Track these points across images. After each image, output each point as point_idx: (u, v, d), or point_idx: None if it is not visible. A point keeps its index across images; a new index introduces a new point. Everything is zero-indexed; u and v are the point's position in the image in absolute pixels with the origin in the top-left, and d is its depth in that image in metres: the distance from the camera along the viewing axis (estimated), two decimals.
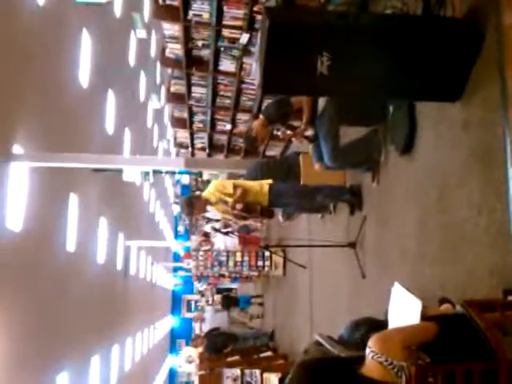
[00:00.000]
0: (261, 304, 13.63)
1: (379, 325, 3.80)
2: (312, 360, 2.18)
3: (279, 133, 5.51)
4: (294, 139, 5.25)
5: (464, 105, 3.30)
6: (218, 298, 15.26)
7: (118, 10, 13.60)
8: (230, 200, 5.36)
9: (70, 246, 10.08)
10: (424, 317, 2.27)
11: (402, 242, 4.24)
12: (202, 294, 23.91)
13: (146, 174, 8.28)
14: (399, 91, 3.53)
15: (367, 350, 1.93)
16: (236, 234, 10.74)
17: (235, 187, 5.41)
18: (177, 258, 28.59)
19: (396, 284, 2.57)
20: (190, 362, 12.47)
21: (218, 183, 5.60)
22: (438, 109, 3.64)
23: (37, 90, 8.24)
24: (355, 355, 2.14)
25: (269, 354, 10.41)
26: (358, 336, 3.45)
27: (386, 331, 2.08)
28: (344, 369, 1.95)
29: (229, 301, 14.60)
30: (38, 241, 8.35)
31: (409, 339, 1.99)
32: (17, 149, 7.50)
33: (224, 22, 6.24)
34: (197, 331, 18.92)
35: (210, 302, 18.90)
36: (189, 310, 31.27)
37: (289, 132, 5.38)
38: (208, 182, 9.54)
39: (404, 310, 2.44)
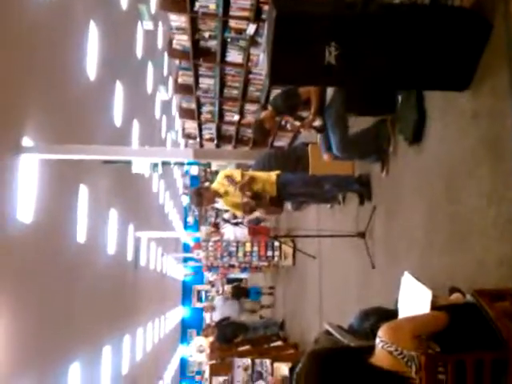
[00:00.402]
0: (271, 294, 13.68)
1: (389, 314, 3.81)
2: (322, 350, 2.19)
3: (287, 125, 5.50)
4: (302, 130, 5.23)
5: (472, 94, 3.28)
6: (228, 288, 15.30)
7: (124, 1, 13.58)
8: (238, 180, 5.39)
9: (81, 237, 10.14)
10: (434, 306, 2.28)
11: (411, 231, 4.24)
12: (212, 284, 24.04)
13: (155, 165, 8.30)
14: (407, 81, 3.51)
15: (377, 340, 1.93)
16: (245, 224, 10.77)
17: (243, 175, 5.45)
18: (187, 248, 28.69)
19: (406, 273, 2.58)
20: (201, 352, 12.53)
21: (227, 172, 5.64)
22: (446, 98, 3.62)
23: (45, 82, 8.26)
24: (365, 345, 2.15)
25: (279, 343, 10.46)
26: (368, 325, 3.46)
27: (396, 321, 2.09)
28: (354, 359, 1.96)
29: (239, 291, 14.65)
30: (48, 232, 8.41)
31: (419, 329, 1.99)
32: (26, 141, 7.54)
33: (231, 13, 6.23)
34: (207, 321, 19.01)
35: (220, 292, 19.00)
36: (199, 300, 31.41)
37: (297, 123, 5.37)
38: (217, 172, 9.55)
39: (414, 299, 2.44)
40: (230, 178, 5.42)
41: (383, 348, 1.89)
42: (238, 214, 6.50)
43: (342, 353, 2.07)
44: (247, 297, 14.36)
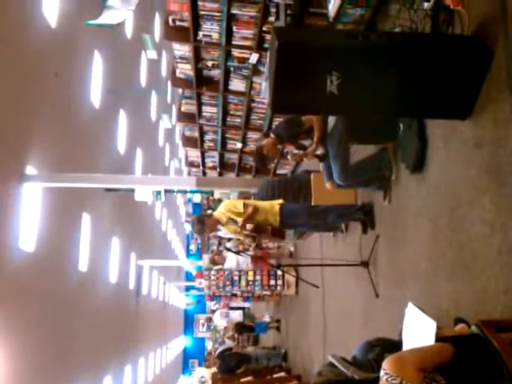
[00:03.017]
0: (278, 329, 13.38)
1: (393, 345, 3.75)
2: (325, 382, 2.15)
3: (288, 156, 5.50)
4: (305, 158, 5.23)
5: (474, 122, 3.28)
6: (231, 325, 14.89)
7: (128, 31, 13.80)
8: (239, 220, 5.35)
9: (83, 265, 10.10)
10: (439, 338, 2.24)
11: (415, 260, 4.20)
12: (214, 313, 23.81)
13: (158, 193, 8.32)
14: (409, 109, 3.52)
15: (381, 372, 1.90)
16: (247, 253, 10.70)
17: (246, 206, 5.41)
18: (189, 277, 28.52)
19: (410, 304, 2.54)
20: (203, 383, 12.35)
21: (229, 203, 5.60)
22: (448, 126, 3.62)
23: (49, 110, 8.33)
24: (369, 377, 2.11)
25: (282, 374, 10.27)
26: (372, 357, 3.40)
27: (401, 353, 2.05)
28: None
29: (243, 329, 14.28)
30: (50, 261, 8.38)
31: (424, 361, 1.96)
32: (30, 169, 7.57)
33: (233, 42, 6.30)
34: (209, 348, 18.78)
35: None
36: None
37: (297, 151, 5.37)
38: (219, 200, 9.56)
39: (418, 330, 2.40)
40: (231, 219, 5.36)
41: (387, 381, 1.86)
42: (240, 237, 6.45)
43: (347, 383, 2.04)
44: (252, 332, 14.00)
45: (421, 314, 2.42)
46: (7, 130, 6.91)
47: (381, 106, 3.45)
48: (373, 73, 3.22)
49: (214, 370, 11.68)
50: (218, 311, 15.52)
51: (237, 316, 14.05)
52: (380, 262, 5.11)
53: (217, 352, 12.98)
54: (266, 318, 13.92)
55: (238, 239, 10.43)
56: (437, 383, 1.95)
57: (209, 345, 20.74)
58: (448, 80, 3.22)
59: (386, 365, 1.90)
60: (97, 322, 10.99)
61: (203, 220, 5.57)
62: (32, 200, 7.78)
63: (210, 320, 15.79)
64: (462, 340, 2.26)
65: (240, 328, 13.98)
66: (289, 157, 5.42)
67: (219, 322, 14.43)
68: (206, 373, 12.21)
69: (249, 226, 5.44)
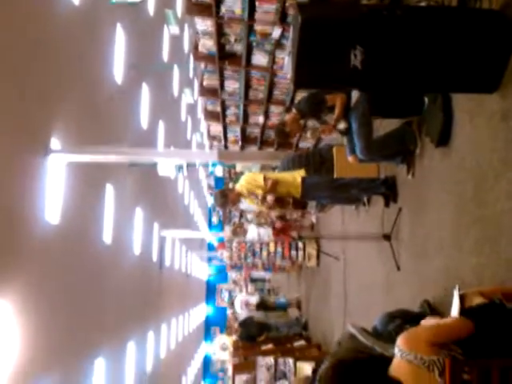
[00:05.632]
0: (299, 307, 13.52)
1: (414, 317, 3.81)
2: (346, 359, 2.20)
3: (308, 133, 5.48)
4: (323, 135, 5.22)
5: (501, 96, 3.26)
6: (253, 298, 15.03)
7: (151, 6, 13.72)
8: (260, 192, 5.40)
9: (107, 237, 10.29)
10: (463, 309, 2.27)
11: (438, 234, 4.22)
12: (236, 283, 24.14)
13: (180, 167, 8.40)
14: (435, 84, 3.50)
15: (396, 349, 1.94)
16: (269, 226, 10.79)
17: (265, 179, 5.44)
18: (211, 248, 28.83)
19: (457, 286, 2.61)
20: (224, 350, 12.59)
21: (249, 176, 5.63)
22: (474, 100, 3.60)
23: (73, 86, 8.40)
24: (389, 354, 2.15)
25: (302, 343, 10.44)
26: (392, 328, 3.47)
27: (414, 329, 2.05)
28: (376, 370, 1.97)
29: (265, 306, 14.42)
30: (75, 233, 8.55)
31: (438, 336, 1.98)
32: (54, 143, 7.68)
33: (256, 17, 6.26)
34: (230, 315, 19.08)
35: (244, 292, 19.03)
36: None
37: (318, 127, 5.37)
38: (241, 173, 9.60)
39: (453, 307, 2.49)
40: (251, 193, 5.41)
41: (402, 357, 1.90)
42: (262, 208, 6.51)
43: (366, 363, 2.09)
44: (274, 310, 14.15)
45: (456, 298, 2.48)
46: (31, 104, 7.01)
47: (406, 81, 3.43)
48: (398, 47, 3.20)
49: (235, 337, 11.89)
50: (237, 299, 15.75)
51: (254, 301, 14.27)
52: (402, 236, 5.14)
53: (238, 320, 13.21)
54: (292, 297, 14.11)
55: (260, 212, 10.50)
56: (452, 352, 1.97)
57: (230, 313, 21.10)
58: (475, 54, 3.20)
59: (400, 342, 1.93)
60: (121, 292, 11.24)
61: (226, 194, 5.64)
62: (56, 173, 7.91)
63: (232, 304, 16.02)
64: (483, 313, 2.29)
65: (263, 306, 14.15)
66: (308, 134, 5.41)
67: (239, 310, 14.67)
68: (227, 340, 12.43)
69: (269, 199, 5.49)
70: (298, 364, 8.10)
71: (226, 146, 10.81)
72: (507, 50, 3.13)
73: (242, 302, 14.46)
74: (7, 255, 6.30)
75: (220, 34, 6.78)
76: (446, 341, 1.99)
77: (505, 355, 2.04)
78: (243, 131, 9.95)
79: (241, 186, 5.54)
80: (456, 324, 2.09)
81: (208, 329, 31.90)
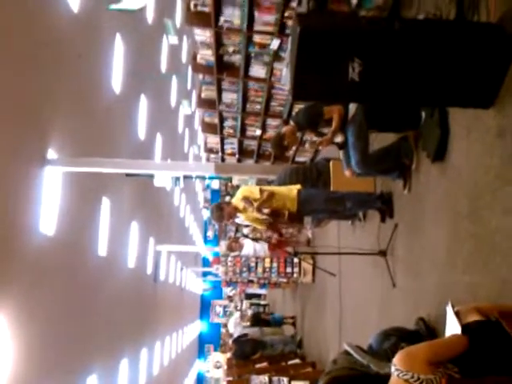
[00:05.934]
0: (293, 324, 13.40)
1: (409, 335, 3.75)
2: (341, 377, 2.15)
3: (306, 144, 5.46)
4: (321, 147, 5.19)
5: (498, 111, 3.23)
6: (248, 314, 14.90)
7: (150, 16, 13.78)
8: (255, 204, 5.36)
9: (102, 250, 10.20)
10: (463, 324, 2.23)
11: (434, 250, 4.17)
12: (230, 299, 23.98)
13: (177, 179, 8.36)
14: (432, 98, 3.47)
15: (392, 368, 1.91)
16: (265, 240, 10.70)
17: (262, 191, 5.41)
18: (206, 263, 28.71)
19: (449, 303, 2.55)
20: (218, 368, 12.45)
21: (245, 189, 5.61)
22: (470, 115, 3.57)
23: (71, 95, 8.39)
24: (385, 372, 2.10)
25: (297, 361, 10.32)
26: (388, 346, 3.40)
27: (410, 348, 2.03)
28: None
29: (260, 321, 14.28)
30: (70, 245, 8.48)
31: (434, 355, 1.96)
32: (51, 153, 7.64)
33: (255, 28, 6.26)
34: (224, 332, 18.94)
35: (239, 308, 18.88)
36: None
37: (316, 139, 5.33)
38: (238, 186, 9.55)
39: (449, 327, 2.43)
40: (246, 199, 5.38)
41: (399, 377, 1.87)
42: (260, 228, 6.48)
43: (360, 381, 2.06)
44: (268, 325, 14.01)
45: (451, 314, 2.43)
46: (28, 114, 6.98)
47: (403, 95, 3.40)
48: (395, 60, 3.18)
49: (229, 355, 11.76)
50: (232, 318, 15.66)
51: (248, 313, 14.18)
52: (398, 252, 5.08)
53: (232, 338, 13.07)
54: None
55: (255, 228, 10.43)
56: (449, 370, 1.95)
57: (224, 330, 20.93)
58: (472, 68, 3.17)
59: (397, 360, 1.91)
60: (115, 306, 11.13)
61: (222, 207, 5.59)
62: (52, 184, 7.86)
63: (225, 326, 16.00)
64: (478, 330, 2.24)
65: (256, 320, 14.01)
66: (307, 145, 5.39)
67: (232, 329, 14.57)
68: (221, 358, 12.29)
69: (265, 210, 5.44)
70: (293, 383, 7.99)
71: (222, 159, 10.78)
72: (504, 64, 3.10)
73: (236, 321, 14.33)
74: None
75: (219, 44, 6.78)
76: (444, 359, 1.97)
77: (499, 373, 2.01)
78: (240, 144, 9.93)
79: (237, 199, 5.50)
80: (452, 341, 2.07)
81: (202, 346, 31.67)
